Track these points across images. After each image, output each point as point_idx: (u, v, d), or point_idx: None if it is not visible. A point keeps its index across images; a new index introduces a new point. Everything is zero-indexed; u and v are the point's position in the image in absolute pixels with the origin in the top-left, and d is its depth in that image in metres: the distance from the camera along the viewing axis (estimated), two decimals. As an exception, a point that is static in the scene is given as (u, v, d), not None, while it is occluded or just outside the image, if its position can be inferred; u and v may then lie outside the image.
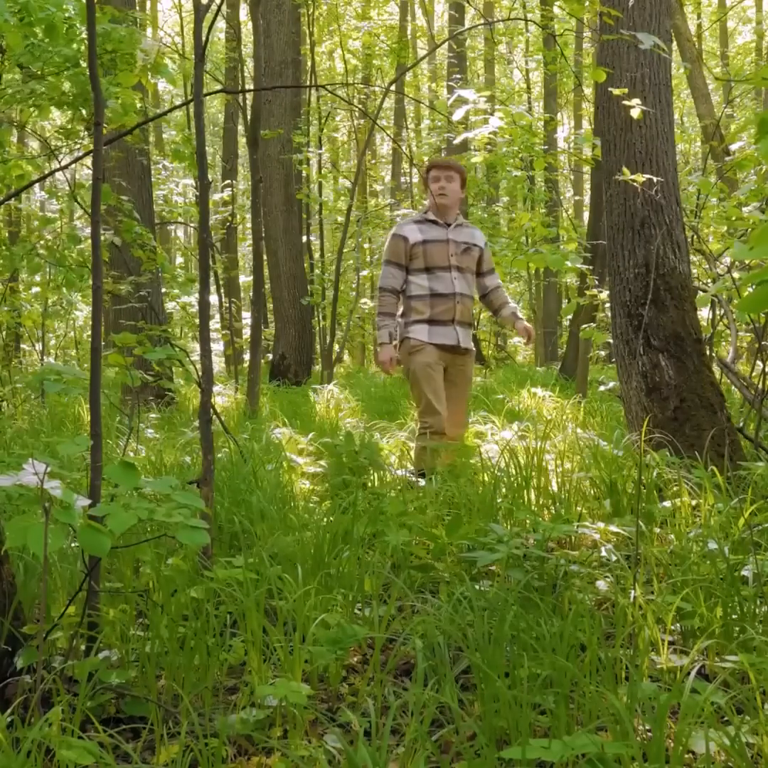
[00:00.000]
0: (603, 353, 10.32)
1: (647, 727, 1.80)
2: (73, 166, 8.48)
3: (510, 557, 2.55)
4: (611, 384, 7.29)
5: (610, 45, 4.11)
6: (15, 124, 6.14)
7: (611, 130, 4.14)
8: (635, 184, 3.91)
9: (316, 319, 14.33)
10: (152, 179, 9.68)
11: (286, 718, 1.94)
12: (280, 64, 11.98)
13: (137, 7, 10.73)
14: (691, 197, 6.40)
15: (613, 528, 3.06)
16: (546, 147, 10.57)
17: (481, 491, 3.50)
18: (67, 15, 4.93)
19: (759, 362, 5.06)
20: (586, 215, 16.67)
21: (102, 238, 2.37)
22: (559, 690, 1.80)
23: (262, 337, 8.56)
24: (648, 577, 2.67)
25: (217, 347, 15.50)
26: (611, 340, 4.34)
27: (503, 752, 1.60)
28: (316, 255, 16.45)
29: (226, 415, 6.76)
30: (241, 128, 16.15)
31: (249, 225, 14.14)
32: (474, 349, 4.73)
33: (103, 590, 2.31)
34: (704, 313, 5.23)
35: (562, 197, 18.43)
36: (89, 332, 8.28)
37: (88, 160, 7.69)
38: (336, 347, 11.57)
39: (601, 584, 2.59)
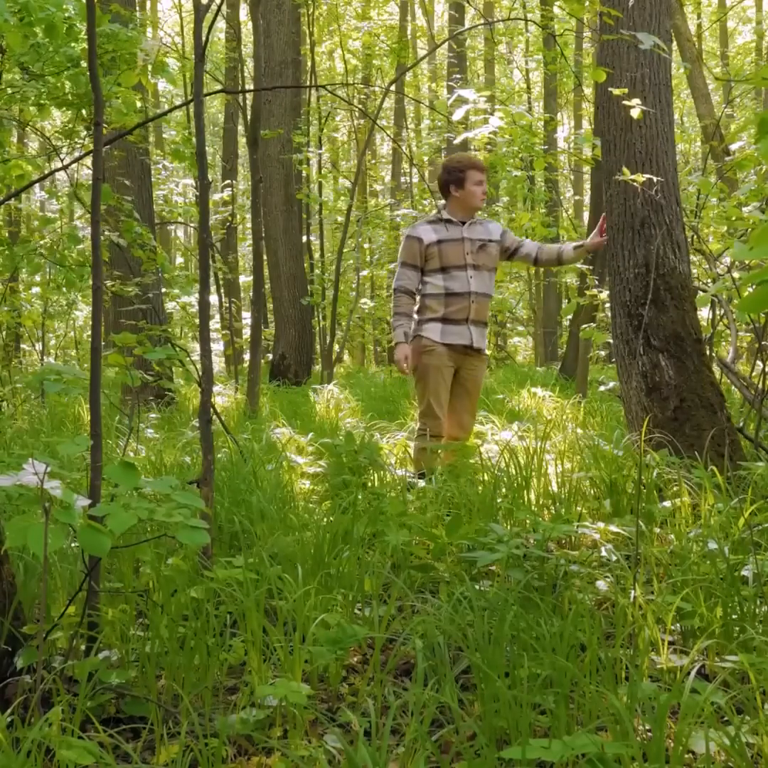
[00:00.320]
0: (603, 353, 10.32)
1: (647, 727, 1.80)
2: (74, 166, 8.48)
3: (510, 557, 2.55)
4: (611, 384, 7.29)
5: (610, 45, 4.11)
6: (15, 124, 6.14)
7: (611, 130, 4.14)
8: (635, 184, 3.91)
9: (316, 319, 14.33)
10: (152, 179, 9.68)
11: (286, 718, 1.94)
12: (280, 64, 11.99)
13: (137, 8, 10.72)
14: (691, 197, 6.40)
15: (613, 528, 3.06)
16: (546, 147, 10.58)
17: (481, 491, 3.50)
18: (67, 15, 4.93)
19: (759, 362, 5.06)
20: (586, 215, 16.66)
21: (103, 238, 2.37)
22: (559, 690, 1.80)
23: (262, 337, 8.56)
24: (648, 577, 2.67)
25: (217, 347, 15.51)
26: (611, 340, 4.34)
27: (503, 752, 1.60)
28: (316, 255, 16.45)
29: (226, 415, 6.76)
30: (241, 128, 16.16)
31: (249, 225, 14.15)
32: (486, 352, 4.65)
33: (103, 590, 2.31)
34: (704, 313, 5.23)
35: (562, 197, 18.43)
36: (89, 332, 8.28)
37: (89, 160, 7.69)
38: (336, 347, 11.57)
39: (601, 584, 2.59)
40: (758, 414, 4.11)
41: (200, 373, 2.87)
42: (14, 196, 5.16)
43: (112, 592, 2.51)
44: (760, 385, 4.34)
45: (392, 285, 4.60)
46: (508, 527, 3.00)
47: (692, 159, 19.17)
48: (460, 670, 2.15)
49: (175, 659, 2.10)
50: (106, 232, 6.30)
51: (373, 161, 21.62)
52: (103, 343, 2.45)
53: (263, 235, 9.39)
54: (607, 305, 5.63)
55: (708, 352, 4.18)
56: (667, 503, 3.24)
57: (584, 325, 7.32)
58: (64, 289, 8.06)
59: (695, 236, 5.26)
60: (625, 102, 3.85)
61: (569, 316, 11.35)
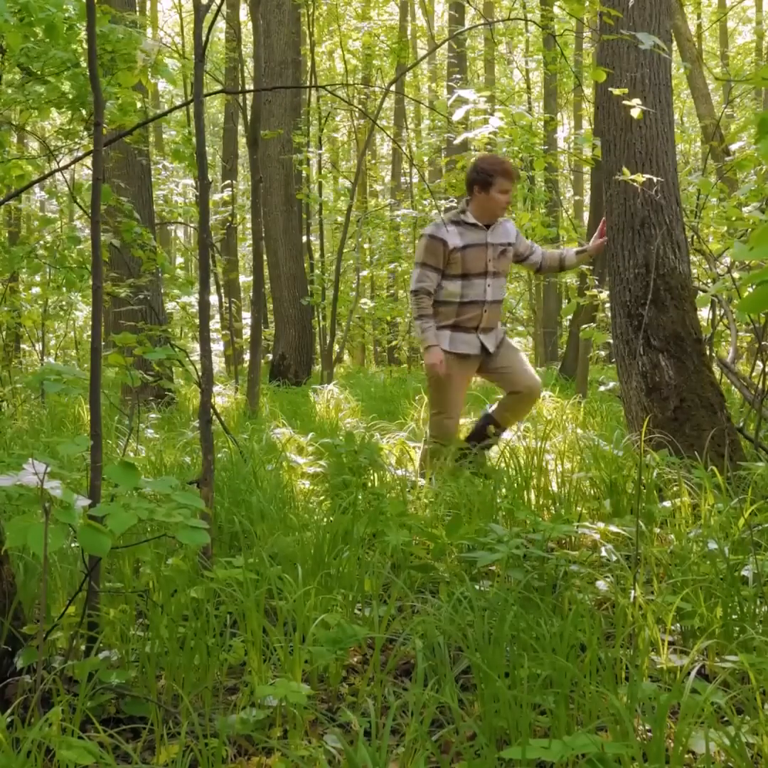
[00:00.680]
0: (603, 353, 10.32)
1: (647, 727, 1.80)
2: (73, 166, 8.48)
3: (510, 557, 2.55)
4: (611, 384, 7.29)
5: (610, 45, 4.11)
6: (15, 125, 6.14)
7: (611, 130, 4.14)
8: (635, 184, 3.91)
9: (316, 319, 14.33)
10: (152, 179, 9.68)
11: (286, 718, 1.94)
12: (280, 64, 11.99)
13: (137, 8, 10.72)
14: (691, 197, 6.40)
15: (613, 528, 3.06)
16: (546, 147, 10.56)
17: (481, 491, 3.50)
18: (67, 15, 4.93)
19: (759, 362, 5.06)
20: (586, 215, 16.66)
21: (102, 238, 2.38)
22: (559, 690, 1.80)
23: (262, 337, 8.56)
24: (648, 577, 2.67)
25: (217, 347, 15.50)
26: (611, 340, 4.34)
27: (503, 752, 1.60)
28: (316, 255, 16.45)
29: (226, 415, 6.76)
30: (241, 128, 16.15)
31: (249, 225, 14.15)
32: (504, 330, 4.61)
33: (103, 590, 2.31)
34: (704, 313, 5.22)
35: (562, 197, 18.43)
36: (89, 332, 8.28)
37: (88, 161, 7.69)
38: (336, 347, 11.57)
39: (601, 584, 2.59)
40: (758, 414, 4.11)
41: (200, 373, 2.87)
42: (14, 197, 5.16)
43: (112, 592, 2.51)
44: (760, 385, 4.34)
45: (411, 286, 4.50)
46: (508, 527, 3.00)
47: (692, 159, 19.17)
48: (460, 670, 2.15)
49: (175, 659, 2.10)
50: (105, 233, 6.30)
51: (373, 161, 21.62)
52: (103, 344, 2.45)
53: (263, 235, 9.38)
54: (607, 305, 5.64)
55: (708, 352, 4.18)
56: (667, 503, 3.24)
57: (584, 325, 7.32)
58: (64, 289, 8.06)
59: (695, 236, 5.26)
60: (625, 102, 3.85)
61: (569, 316, 11.35)
